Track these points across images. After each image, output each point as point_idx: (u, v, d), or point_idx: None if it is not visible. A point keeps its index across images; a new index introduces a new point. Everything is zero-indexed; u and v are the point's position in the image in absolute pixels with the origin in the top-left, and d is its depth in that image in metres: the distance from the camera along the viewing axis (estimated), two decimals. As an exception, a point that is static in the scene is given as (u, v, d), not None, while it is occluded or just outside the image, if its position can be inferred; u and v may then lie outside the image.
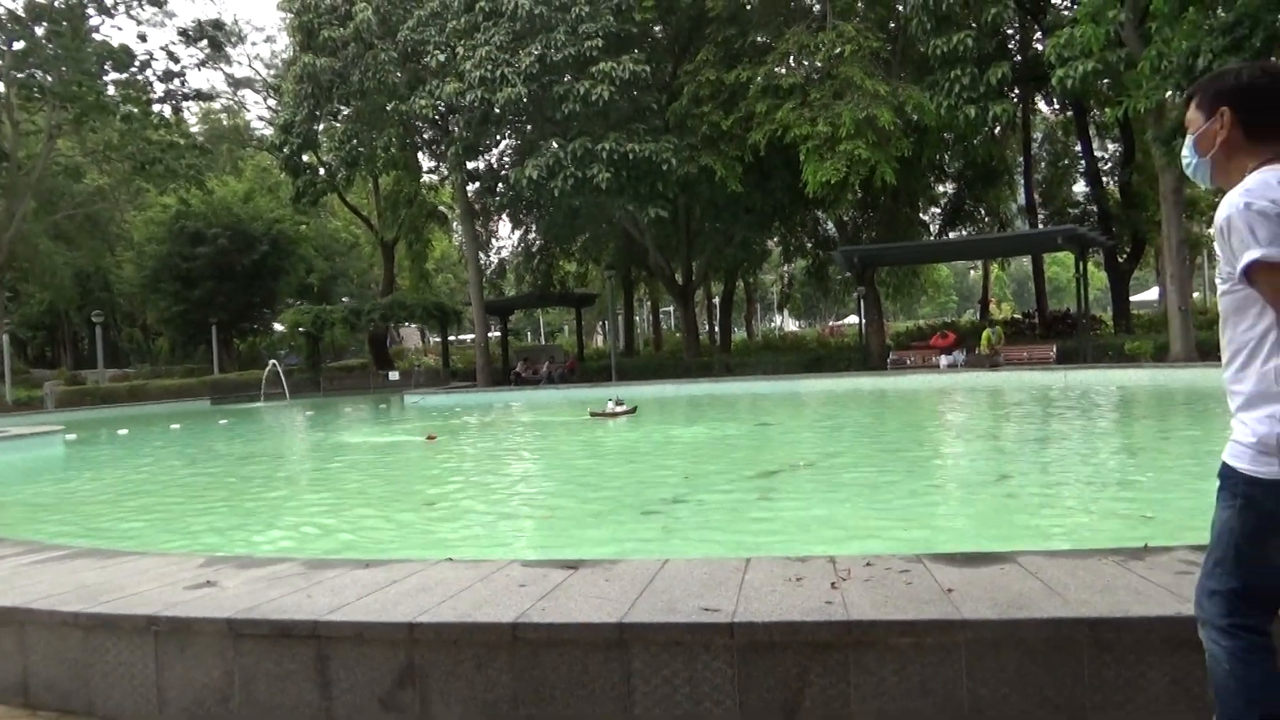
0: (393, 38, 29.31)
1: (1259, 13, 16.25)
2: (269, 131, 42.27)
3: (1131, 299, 36.18)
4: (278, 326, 47.53)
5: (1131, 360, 23.72)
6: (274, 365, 34.93)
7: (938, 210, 38.82)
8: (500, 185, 33.33)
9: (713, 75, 27.44)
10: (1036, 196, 36.44)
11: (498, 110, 27.83)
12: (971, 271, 74.66)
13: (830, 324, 67.06)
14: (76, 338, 56.15)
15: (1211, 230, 2.18)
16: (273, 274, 43.12)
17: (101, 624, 3.44)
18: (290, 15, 33.45)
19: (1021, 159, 35.74)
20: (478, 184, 34.33)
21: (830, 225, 35.61)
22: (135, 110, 35.56)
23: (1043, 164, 39.29)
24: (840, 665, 2.84)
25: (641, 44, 30.12)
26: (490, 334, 37.93)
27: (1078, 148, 35.34)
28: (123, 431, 20.77)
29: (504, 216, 39.99)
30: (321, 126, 32.86)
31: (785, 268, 51.22)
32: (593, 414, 17.79)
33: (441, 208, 44.89)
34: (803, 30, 26.40)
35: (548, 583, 3.49)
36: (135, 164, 37.08)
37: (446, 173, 34.56)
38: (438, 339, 47.95)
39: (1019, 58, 29.88)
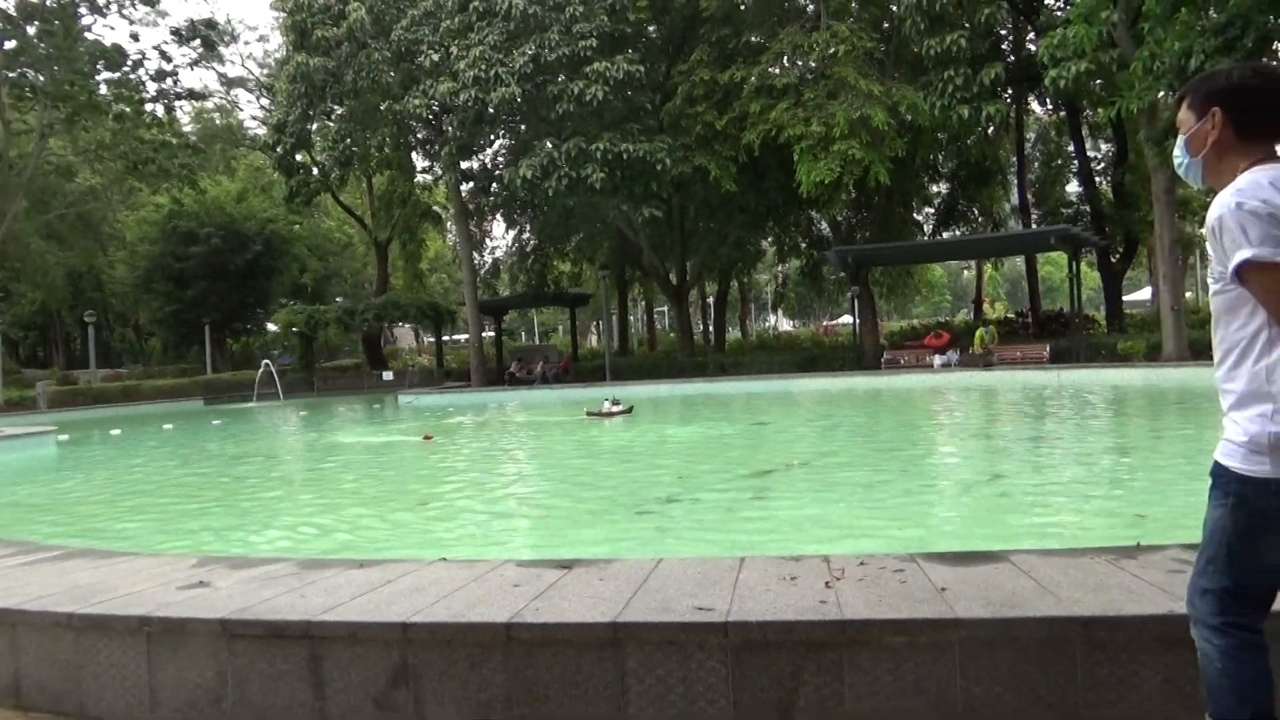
0: (386, 37, 29.28)
1: (1251, 13, 16.32)
2: (262, 131, 42.14)
3: (1124, 299, 36.29)
4: (271, 326, 47.42)
5: (1124, 360, 23.80)
6: (267, 365, 34.85)
7: (931, 210, 38.90)
8: (494, 185, 33.34)
9: (707, 75, 27.47)
10: (1030, 196, 36.53)
11: (492, 110, 27.80)
12: (965, 271, 74.81)
13: (824, 324, 67.09)
14: (69, 338, 55.98)
15: (1203, 230, 2.19)
16: (266, 274, 43.03)
17: (94, 625, 3.43)
18: (283, 14, 33.39)
19: (1015, 159, 35.83)
20: (472, 184, 34.32)
21: (824, 225, 35.66)
22: (128, 109, 35.43)
23: (1036, 164, 39.38)
24: (834, 664, 2.84)
25: (636, 44, 30.13)
26: (484, 334, 37.93)
27: (1071, 148, 35.44)
28: (115, 432, 20.70)
29: (498, 216, 39.99)
30: (315, 126, 32.82)
31: (779, 267, 51.24)
32: (589, 414, 17.80)
33: (435, 207, 44.84)
34: (797, 30, 26.45)
35: (542, 582, 3.48)
36: (128, 163, 36.97)
37: (440, 172, 34.56)
38: (432, 339, 47.89)
39: (1012, 58, 29.96)
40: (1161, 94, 19.78)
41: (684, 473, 10.01)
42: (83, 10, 35.53)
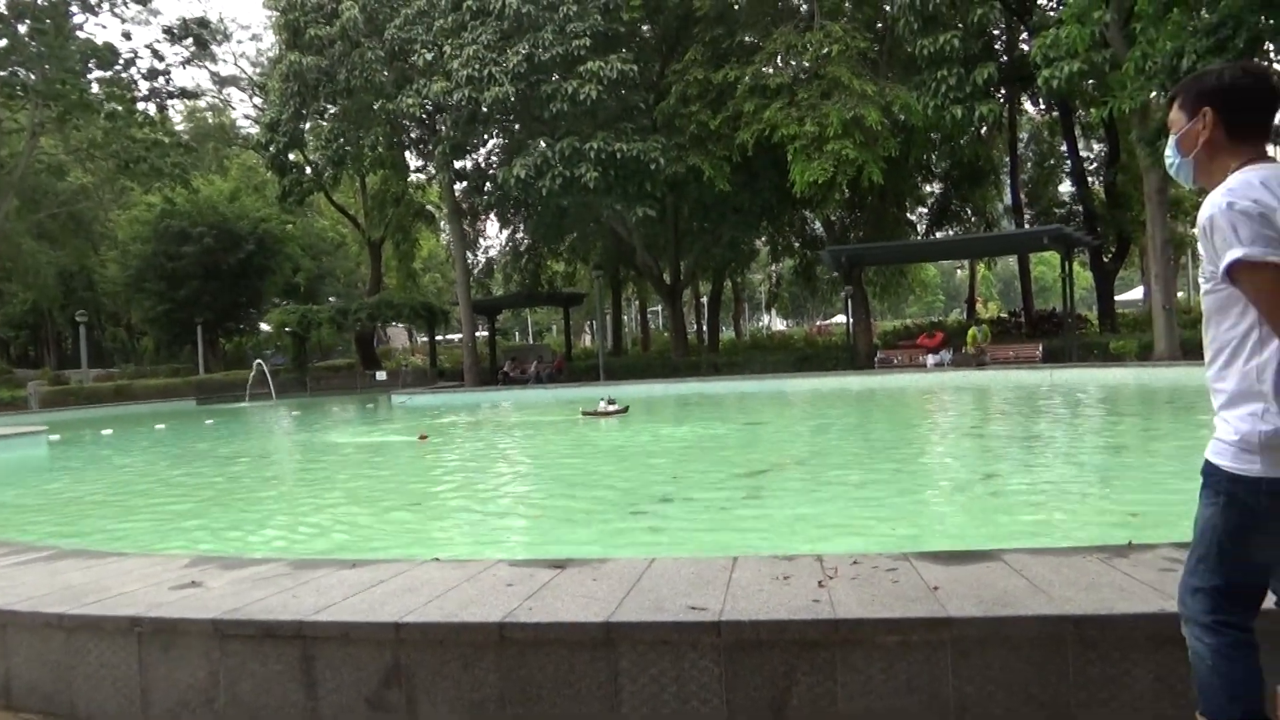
0: (379, 36, 29.21)
1: (1242, 14, 16.37)
2: (255, 130, 42.05)
3: (1116, 298, 36.40)
4: (264, 326, 47.34)
5: (1116, 359, 23.88)
6: (260, 365, 34.75)
7: (925, 210, 38.96)
8: (488, 184, 33.23)
9: (700, 75, 27.49)
10: (1022, 196, 36.63)
11: (485, 109, 27.77)
12: (958, 271, 74.95)
13: (818, 323, 67.19)
14: (60, 337, 55.74)
15: (1195, 230, 2.20)
16: (259, 273, 42.89)
17: (85, 625, 3.42)
18: (276, 13, 33.33)
19: (1008, 159, 35.91)
20: (465, 183, 34.24)
21: (818, 225, 35.71)
22: (119, 108, 35.27)
23: (1029, 164, 39.49)
24: (827, 663, 2.85)
25: (629, 43, 30.13)
26: (478, 333, 37.86)
27: (1063, 148, 35.53)
28: (107, 432, 20.63)
29: (492, 216, 39.92)
30: (308, 125, 32.73)
31: (773, 267, 51.27)
32: (585, 413, 17.79)
33: (429, 207, 44.75)
34: (790, 30, 26.48)
35: (535, 582, 3.48)
36: (119, 162, 36.80)
37: (434, 172, 34.49)
38: (425, 339, 47.83)
39: (1005, 58, 30.01)
40: (1154, 94, 19.84)
41: (678, 472, 10.01)
42: (74, 8, 35.38)
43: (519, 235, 40.92)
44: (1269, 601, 2.25)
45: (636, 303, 56.03)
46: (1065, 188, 39.29)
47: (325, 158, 31.20)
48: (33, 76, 33.27)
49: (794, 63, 27.66)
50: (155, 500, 10.01)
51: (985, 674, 2.79)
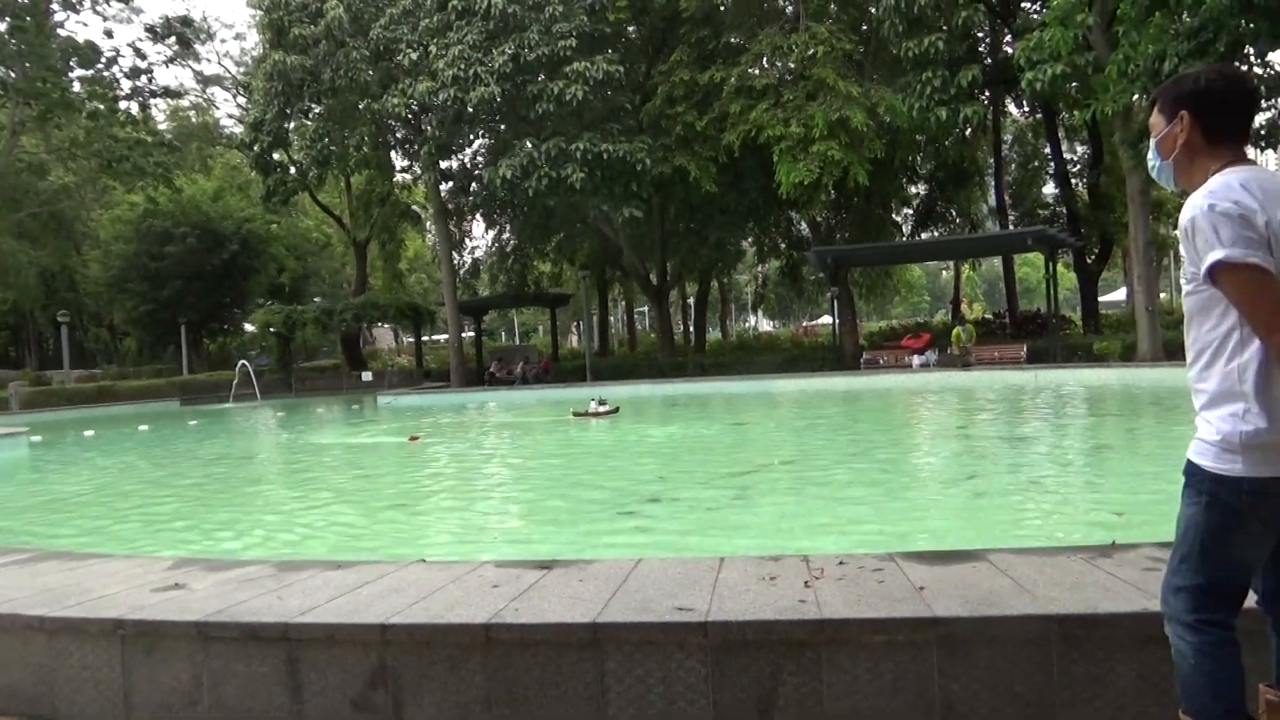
0: (364, 35, 29.10)
1: (1223, 18, 16.53)
2: (239, 129, 41.82)
3: (1100, 299, 36.67)
4: (248, 327, 47.06)
5: (1100, 360, 24.05)
6: (244, 366, 34.55)
7: (910, 211, 39.17)
8: (474, 185, 33.16)
9: (686, 76, 27.52)
10: (1007, 198, 36.85)
11: (471, 109, 27.71)
12: (943, 272, 75.33)
13: (804, 324, 67.39)
14: (41, 338, 55.23)
15: (1177, 232, 2.21)
16: (243, 273, 42.63)
17: (67, 628, 3.39)
18: (260, 12, 33.13)
19: (992, 161, 36.13)
20: (451, 183, 34.17)
21: (804, 226, 35.80)
22: (101, 107, 35.03)
23: (1013, 166, 39.73)
24: (813, 663, 2.85)
25: (615, 44, 30.13)
26: (464, 334, 37.76)
27: (1047, 150, 35.77)
28: (89, 433, 20.46)
29: (478, 216, 39.83)
30: (292, 125, 32.56)
31: (759, 268, 51.43)
32: (575, 414, 17.77)
33: (415, 207, 44.62)
34: (776, 31, 26.55)
35: (521, 583, 3.47)
36: (102, 162, 36.53)
37: (419, 172, 34.36)
38: (411, 339, 47.66)
39: (989, 60, 30.20)
40: (1136, 97, 19.99)
41: (665, 473, 10.02)
42: (55, 6, 35.13)
43: (505, 236, 40.84)
44: (1251, 600, 2.27)
45: (623, 303, 56.04)
46: (1049, 189, 39.57)
47: (310, 157, 31.05)
48: (13, 74, 32.98)
49: (780, 64, 27.75)
50: (138, 502, 9.93)
51: (971, 673, 2.80)
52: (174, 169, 39.27)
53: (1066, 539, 5.60)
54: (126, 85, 37.87)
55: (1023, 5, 30.15)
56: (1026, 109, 36.26)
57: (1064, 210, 34.32)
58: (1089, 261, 33.42)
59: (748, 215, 31.91)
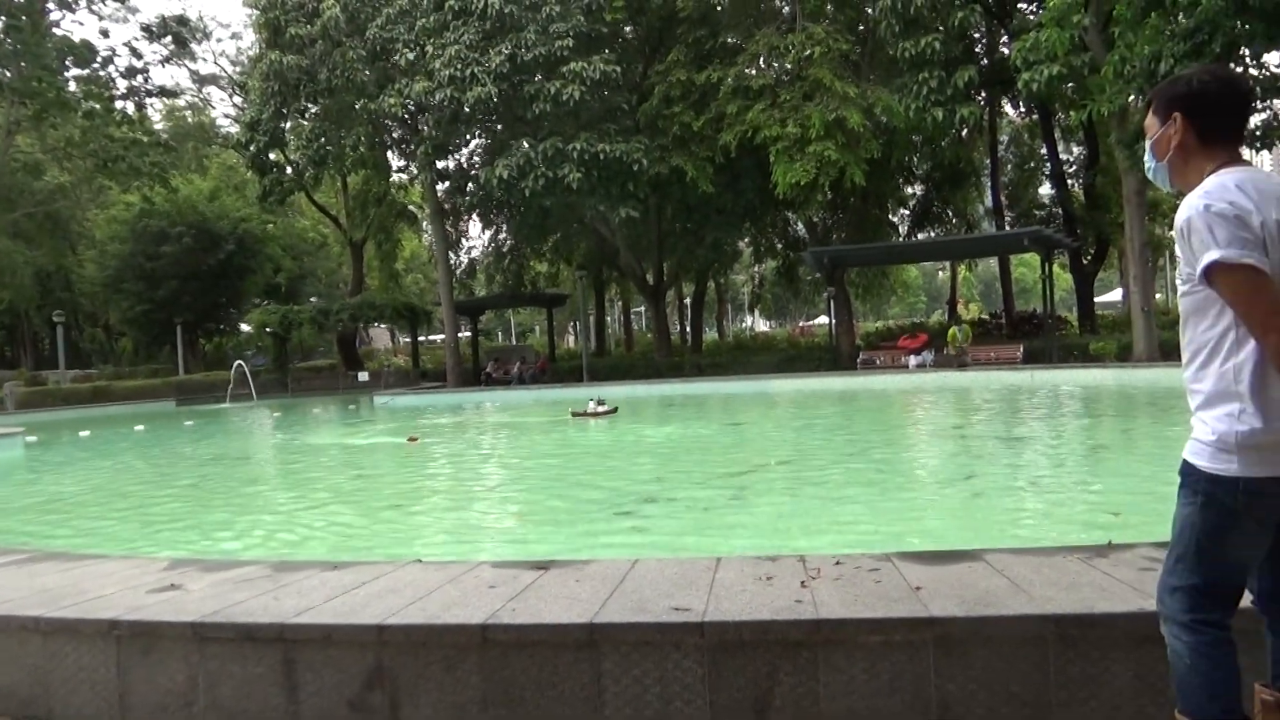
0: (361, 35, 29.07)
1: (1219, 19, 16.56)
2: (235, 129, 41.77)
3: (1096, 300, 36.73)
4: (244, 327, 46.95)
5: (1096, 360, 24.08)
6: (240, 366, 34.50)
7: (906, 212, 39.19)
8: (470, 185, 33.13)
9: (683, 76, 27.53)
10: (1003, 198, 36.90)
11: (468, 109, 27.70)
12: (940, 272, 75.43)
13: (800, 324, 67.41)
14: (37, 338, 55.16)
15: (1173, 232, 2.22)
16: (239, 273, 42.58)
17: (62, 629, 3.38)
18: (257, 12, 33.09)
19: (988, 161, 36.17)
20: (448, 183, 34.13)
21: (800, 226, 35.83)
22: (97, 107, 34.98)
23: (1009, 166, 39.78)
24: (810, 663, 2.85)
25: (612, 44, 30.14)
26: (461, 334, 37.74)
27: (1043, 150, 35.83)
28: (85, 433, 20.41)
29: (474, 216, 39.80)
30: (289, 124, 32.50)
31: (756, 268, 51.42)
32: (575, 414, 17.75)
33: (411, 207, 44.57)
34: (773, 32, 26.56)
35: (518, 584, 3.47)
36: (97, 161, 36.49)
37: (416, 172, 34.36)
38: (407, 339, 47.63)
39: (985, 61, 30.23)
40: (1132, 97, 20.02)
41: (662, 473, 10.02)
42: (51, 5, 35.05)
43: (502, 236, 40.83)
44: (1246, 600, 2.27)
45: (620, 303, 56.03)
46: (1045, 190, 39.62)
47: (306, 157, 31.00)
48: (8, 74, 32.92)
49: (776, 64, 27.74)
50: (134, 502, 9.91)
51: (967, 673, 2.80)
52: (170, 169, 39.24)
53: (1063, 539, 5.60)
54: (122, 85, 37.85)
55: (1019, 6, 30.19)
56: (1023, 110, 36.28)
57: (1060, 211, 34.38)
58: (1085, 262, 33.47)
59: (744, 215, 31.92)
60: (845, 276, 32.22)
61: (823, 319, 49.70)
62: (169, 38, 38.96)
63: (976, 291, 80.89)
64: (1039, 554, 3.61)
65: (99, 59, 36.24)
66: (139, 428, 21.45)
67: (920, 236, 37.32)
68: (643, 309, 57.42)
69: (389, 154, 36.74)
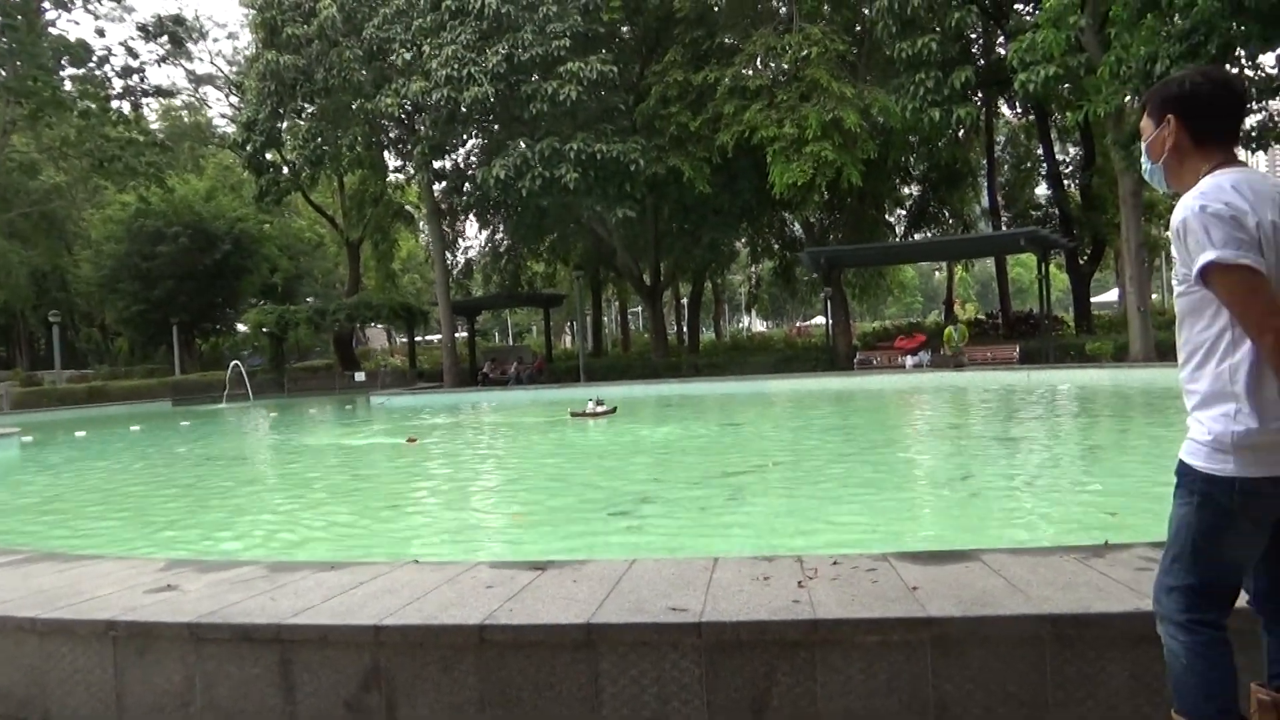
0: (357, 35, 29.05)
1: (1214, 20, 16.60)
2: (231, 129, 41.67)
3: (1092, 300, 36.80)
4: (241, 327, 46.91)
5: (1092, 360, 24.12)
6: (237, 366, 34.46)
7: (903, 212, 39.25)
8: (467, 185, 33.17)
9: (680, 76, 27.54)
10: (999, 199, 36.93)
11: (464, 109, 27.69)
12: (936, 273, 75.42)
13: (797, 324, 67.48)
14: (32, 338, 55.05)
15: (1169, 233, 2.22)
16: (235, 273, 42.54)
17: (58, 629, 3.37)
18: (253, 11, 33.06)
19: (985, 162, 36.21)
20: (444, 183, 34.13)
21: (797, 226, 35.86)
22: (93, 106, 34.92)
23: (1005, 167, 39.83)
24: (807, 664, 2.85)
25: (609, 44, 30.14)
26: (457, 334, 37.72)
27: (1040, 151, 35.86)
28: (81, 433, 20.36)
29: (471, 216, 39.79)
30: (285, 124, 32.47)
31: (753, 268, 51.48)
32: (573, 414, 17.74)
33: (408, 207, 44.57)
34: (770, 32, 26.58)
35: (515, 584, 3.47)
36: (93, 161, 36.42)
37: (413, 172, 34.34)
38: (404, 339, 47.59)
39: (982, 62, 30.28)
40: (1128, 98, 20.08)
41: (659, 473, 10.01)
42: (46, 4, 34.98)
43: (498, 236, 40.82)
44: (1242, 600, 2.27)
45: (617, 304, 56.07)
46: (1041, 190, 39.69)
47: (303, 157, 30.99)
48: (3, 73, 32.86)
49: (773, 65, 27.77)
50: (130, 503, 9.89)
51: (964, 673, 2.81)
52: (166, 168, 39.18)
53: (1059, 539, 5.61)
54: (118, 84, 37.79)
55: (1015, 7, 30.25)
56: (1019, 110, 36.37)
57: (1056, 211, 34.43)
58: (1081, 262, 33.52)
59: (741, 216, 31.94)
60: (842, 277, 32.24)
61: (819, 319, 49.75)
62: (165, 37, 38.90)
63: (973, 292, 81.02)
64: (1036, 554, 3.62)
65: (95, 58, 36.19)
66: (135, 428, 21.41)
67: (917, 237, 37.37)
68: (640, 309, 57.42)
69: (386, 154, 36.72)
